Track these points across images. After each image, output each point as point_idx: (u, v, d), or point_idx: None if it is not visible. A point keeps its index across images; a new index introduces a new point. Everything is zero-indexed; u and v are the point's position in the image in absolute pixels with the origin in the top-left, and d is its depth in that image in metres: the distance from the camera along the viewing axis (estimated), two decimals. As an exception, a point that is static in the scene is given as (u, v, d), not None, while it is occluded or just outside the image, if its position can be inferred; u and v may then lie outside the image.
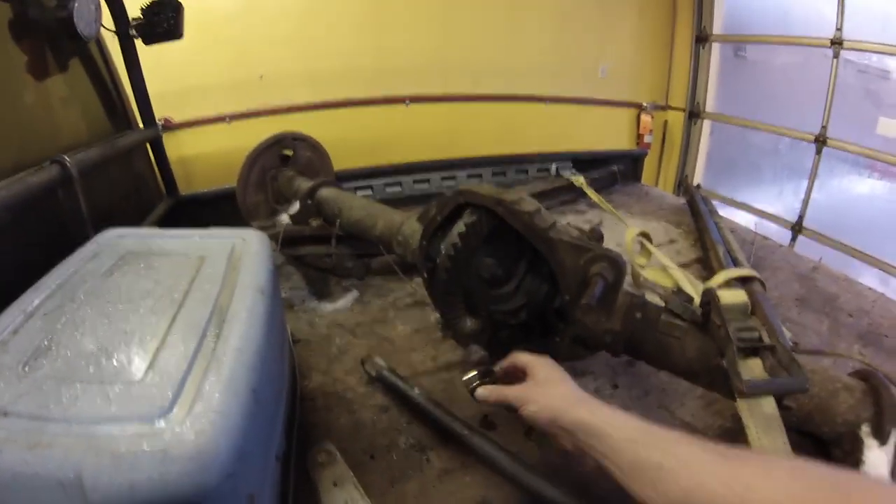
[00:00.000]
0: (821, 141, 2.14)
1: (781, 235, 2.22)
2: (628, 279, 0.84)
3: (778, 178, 2.88)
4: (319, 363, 0.96)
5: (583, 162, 1.78)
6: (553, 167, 1.70)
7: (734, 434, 0.83)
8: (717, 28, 2.45)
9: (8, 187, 0.84)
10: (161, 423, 0.47)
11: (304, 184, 1.25)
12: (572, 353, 0.78)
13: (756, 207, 2.39)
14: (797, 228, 2.32)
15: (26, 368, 0.51)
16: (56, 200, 1.00)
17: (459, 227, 0.79)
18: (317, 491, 0.73)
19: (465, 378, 0.74)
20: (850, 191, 2.93)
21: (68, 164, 1.00)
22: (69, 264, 0.71)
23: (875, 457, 0.64)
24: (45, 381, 0.49)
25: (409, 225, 0.94)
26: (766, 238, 1.63)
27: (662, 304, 0.77)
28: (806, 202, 2.30)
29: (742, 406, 0.71)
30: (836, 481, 0.39)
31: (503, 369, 0.74)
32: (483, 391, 0.71)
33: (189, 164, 1.78)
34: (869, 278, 1.39)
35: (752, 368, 0.69)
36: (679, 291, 0.76)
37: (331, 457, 0.78)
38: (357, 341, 1.03)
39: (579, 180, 1.55)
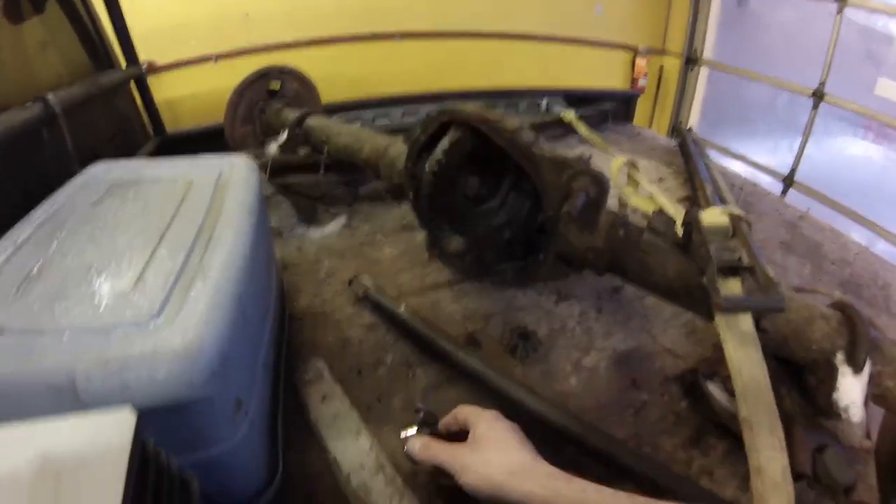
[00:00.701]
0: (818, 96, 2.12)
1: (772, 188, 2.22)
2: (614, 203, 0.85)
3: (773, 132, 2.86)
4: (307, 286, 0.97)
5: (574, 100, 1.76)
6: (543, 102, 1.68)
7: (713, 364, 0.86)
8: (721, -24, 2.38)
9: (-11, 128, 0.83)
10: (150, 328, 0.49)
11: (291, 114, 1.23)
12: (555, 271, 0.79)
13: (749, 158, 2.38)
14: (788, 181, 2.33)
15: (19, 291, 0.52)
16: (40, 140, 0.98)
17: (443, 144, 0.79)
18: (306, 406, 0.75)
19: (403, 435, 0.62)
20: (843, 151, 2.92)
21: (51, 102, 0.99)
22: (58, 197, 0.71)
23: (849, 385, 0.65)
24: (38, 301, 0.51)
25: (396, 147, 0.94)
26: (755, 185, 1.63)
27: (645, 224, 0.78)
28: (799, 156, 2.29)
29: (720, 322, 0.72)
30: None
31: (446, 425, 0.61)
32: (415, 443, 0.59)
33: (176, 105, 1.75)
34: (856, 237, 1.41)
35: (731, 288, 0.70)
36: (661, 212, 0.77)
37: (319, 373, 0.80)
38: (345, 264, 1.04)
39: (570, 115, 1.53)
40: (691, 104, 2.53)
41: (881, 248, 1.42)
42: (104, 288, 0.53)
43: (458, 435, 0.59)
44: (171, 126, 1.65)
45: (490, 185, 0.82)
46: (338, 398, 0.76)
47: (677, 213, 0.90)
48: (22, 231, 0.62)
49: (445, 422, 0.61)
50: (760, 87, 2.39)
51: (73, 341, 0.46)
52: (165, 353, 0.46)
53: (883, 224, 1.98)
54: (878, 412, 0.76)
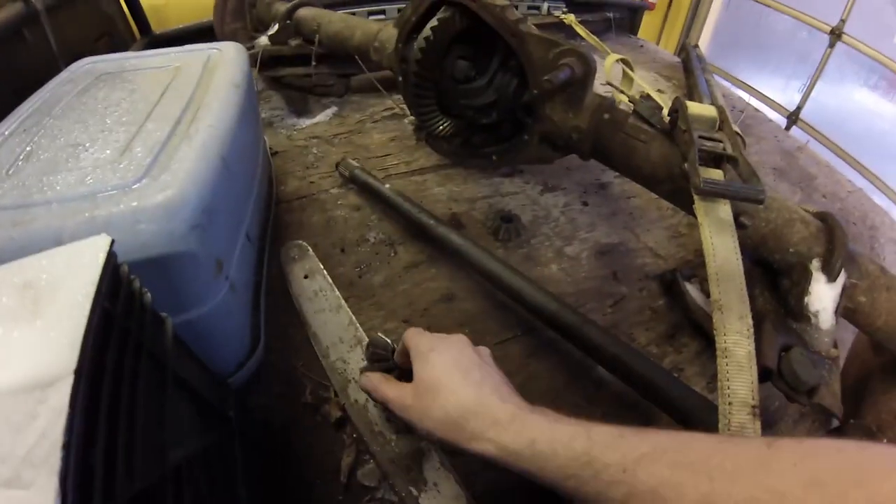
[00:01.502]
0: (836, 34, 2.03)
1: (776, 122, 2.18)
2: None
3: (786, 69, 2.77)
4: (296, 170, 0.98)
5: (576, 5, 1.69)
6: (545, 6, 1.62)
7: (694, 267, 0.87)
8: None
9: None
10: (135, 188, 0.50)
11: (282, 6, 1.20)
12: (540, 154, 0.79)
13: (756, 89, 2.32)
14: (793, 118, 2.28)
15: (10, 172, 0.53)
16: (23, 40, 0.96)
17: (432, 22, 0.78)
18: (289, 283, 0.77)
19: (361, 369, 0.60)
20: (852, 98, 2.84)
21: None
22: (44, 90, 0.71)
23: (821, 291, 0.66)
24: (28, 178, 0.51)
25: (386, 31, 0.92)
26: (757, 110, 1.60)
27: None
28: (807, 93, 2.23)
29: (698, 207, 0.73)
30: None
31: (401, 358, 0.54)
32: (365, 380, 0.53)
33: (162, 11, 1.67)
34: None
35: (713, 175, 0.70)
36: (648, 97, 0.76)
37: (302, 251, 0.82)
38: (334, 150, 1.04)
39: (569, 18, 1.49)
40: (702, 26, 2.43)
41: (876, 200, 1.41)
42: (91, 161, 0.54)
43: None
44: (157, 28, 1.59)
45: (478, 67, 0.81)
46: (320, 275, 0.78)
47: (665, 102, 0.89)
48: (9, 124, 0.62)
49: (400, 352, 0.54)
50: (779, 17, 2.29)
51: (61, 208, 0.47)
52: (148, 207, 0.47)
53: (883, 178, 1.96)
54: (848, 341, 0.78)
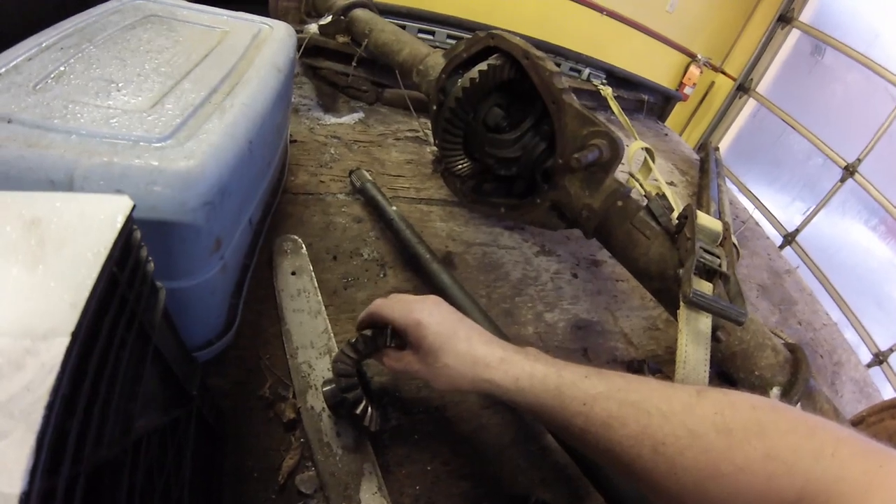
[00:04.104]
0: (849, 171, 2.10)
1: (773, 238, 2.24)
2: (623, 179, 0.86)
3: (794, 189, 2.84)
4: (309, 165, 0.98)
5: (616, 79, 1.72)
6: (586, 72, 1.65)
7: (662, 363, 0.89)
8: (806, 17, 2.32)
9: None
10: (158, 147, 0.49)
11: (341, 1, 1.22)
12: (546, 219, 0.81)
13: (760, 201, 2.39)
14: (789, 239, 2.35)
15: (37, 87, 0.52)
16: None
17: (481, 65, 0.80)
18: (276, 275, 0.77)
19: (325, 389, 0.62)
20: (849, 232, 2.93)
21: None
22: (90, 14, 0.70)
23: None
24: (53, 100, 0.51)
25: (434, 58, 0.94)
26: (758, 224, 1.65)
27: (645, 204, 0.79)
28: (808, 220, 2.30)
29: (681, 314, 0.75)
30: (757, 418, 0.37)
31: (362, 321, 0.60)
32: (388, 360, 0.58)
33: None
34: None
35: (703, 288, 0.73)
36: (662, 197, 0.78)
37: (296, 247, 0.82)
38: (350, 155, 1.05)
39: (607, 90, 1.52)
40: (727, 129, 2.51)
41: (848, 336, 1.48)
42: (121, 103, 0.53)
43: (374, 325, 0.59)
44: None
45: (511, 120, 0.83)
46: (307, 275, 0.78)
47: (677, 204, 0.91)
48: (49, 36, 0.61)
49: (361, 319, 0.60)
50: (799, 139, 2.37)
51: (79, 143, 0.47)
52: (167, 171, 0.47)
53: (860, 317, 2.02)
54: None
